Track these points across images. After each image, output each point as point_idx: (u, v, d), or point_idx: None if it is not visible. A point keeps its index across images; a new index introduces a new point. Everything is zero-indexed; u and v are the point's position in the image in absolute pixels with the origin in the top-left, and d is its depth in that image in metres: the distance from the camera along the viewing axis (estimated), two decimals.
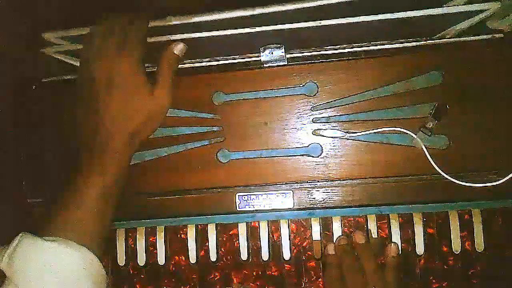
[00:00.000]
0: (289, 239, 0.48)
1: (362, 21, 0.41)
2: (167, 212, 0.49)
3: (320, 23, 0.42)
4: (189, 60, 0.49)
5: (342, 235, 0.48)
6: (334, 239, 0.48)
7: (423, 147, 0.45)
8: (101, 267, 0.38)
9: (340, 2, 0.39)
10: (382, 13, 0.40)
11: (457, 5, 0.40)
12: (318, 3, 0.39)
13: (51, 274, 0.34)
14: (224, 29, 0.43)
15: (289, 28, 0.42)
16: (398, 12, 0.40)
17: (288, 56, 0.47)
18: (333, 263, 0.47)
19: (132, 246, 0.50)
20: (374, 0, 0.39)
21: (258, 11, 0.40)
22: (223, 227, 0.49)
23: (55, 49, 0.46)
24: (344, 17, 0.41)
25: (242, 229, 0.49)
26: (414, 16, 0.40)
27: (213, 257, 0.49)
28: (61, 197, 0.39)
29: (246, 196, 0.48)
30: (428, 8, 0.40)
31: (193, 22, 0.41)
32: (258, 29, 0.42)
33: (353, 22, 0.41)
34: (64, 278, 0.35)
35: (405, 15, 0.40)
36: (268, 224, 0.49)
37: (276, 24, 0.42)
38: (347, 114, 0.47)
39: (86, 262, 0.36)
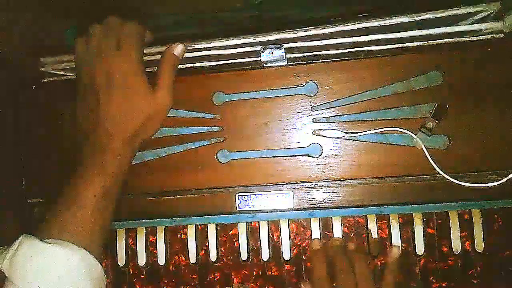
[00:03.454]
0: (289, 239, 0.48)
1: (371, 40, 0.41)
2: (167, 212, 0.49)
3: (322, 42, 0.42)
4: (190, 61, 0.49)
5: (336, 237, 0.48)
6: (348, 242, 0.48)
7: (423, 147, 0.45)
8: (100, 269, 0.38)
9: (344, 30, 0.39)
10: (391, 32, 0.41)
11: (464, 25, 0.40)
12: (319, 31, 0.39)
13: (51, 276, 0.34)
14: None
15: (291, 48, 0.43)
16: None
17: (288, 56, 0.47)
18: (322, 260, 0.46)
19: (132, 246, 0.50)
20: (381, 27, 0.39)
21: (259, 39, 0.41)
22: (223, 227, 0.49)
23: (54, 66, 0.46)
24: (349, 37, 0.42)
25: (242, 229, 0.49)
26: (421, 35, 0.40)
27: (213, 257, 0.49)
28: (61, 198, 0.39)
29: (246, 196, 0.48)
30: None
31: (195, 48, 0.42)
32: (259, 48, 0.43)
33: (360, 41, 0.42)
34: (64, 280, 0.35)
35: (414, 34, 0.41)
36: (268, 224, 0.49)
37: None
38: (347, 114, 0.47)
39: (85, 265, 0.36)
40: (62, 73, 0.49)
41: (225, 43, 0.42)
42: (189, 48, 0.44)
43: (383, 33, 0.42)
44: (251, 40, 0.41)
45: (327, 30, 0.40)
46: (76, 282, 0.35)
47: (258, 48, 0.44)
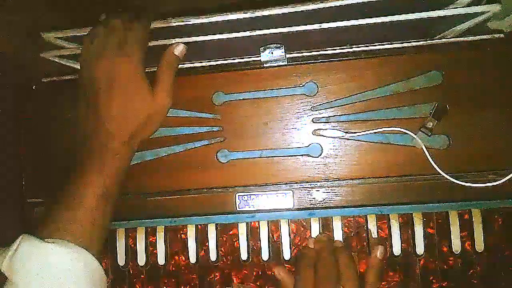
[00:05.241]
0: (289, 239, 0.48)
1: (364, 24, 0.41)
2: (167, 212, 0.49)
3: (320, 26, 0.42)
4: (189, 61, 0.49)
5: (323, 233, 0.48)
6: (335, 239, 0.48)
7: (423, 147, 0.45)
8: (100, 268, 0.38)
9: (340, 5, 0.39)
10: (384, 16, 0.41)
11: (458, 7, 0.40)
12: (319, 5, 0.39)
13: (51, 276, 0.34)
14: (225, 33, 0.43)
15: (290, 32, 0.42)
16: (400, 14, 0.40)
17: (288, 56, 0.47)
18: (309, 254, 0.45)
19: (132, 246, 0.50)
20: (375, 3, 0.39)
21: (258, 13, 0.40)
22: (223, 227, 0.49)
23: (54, 53, 0.46)
24: (346, 20, 0.41)
25: (242, 229, 0.49)
26: (415, 19, 0.40)
27: (213, 257, 0.49)
28: (60, 197, 0.39)
29: (246, 196, 0.48)
30: (429, 11, 0.40)
31: (193, 24, 0.41)
32: (258, 32, 0.43)
33: (355, 25, 0.41)
34: (64, 280, 0.35)
35: (407, 17, 0.40)
36: (268, 224, 0.49)
37: (276, 27, 0.42)
38: (347, 114, 0.47)
39: (85, 265, 0.36)
40: (63, 62, 0.48)
41: (222, 18, 0.41)
42: (186, 23, 0.42)
43: (380, 16, 0.41)
44: (249, 15, 0.40)
45: (326, 5, 0.39)
46: (76, 282, 0.35)
47: (256, 33, 0.43)
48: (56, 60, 0.48)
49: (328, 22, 0.42)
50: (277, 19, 0.41)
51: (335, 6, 0.39)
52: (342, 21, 0.41)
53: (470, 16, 0.41)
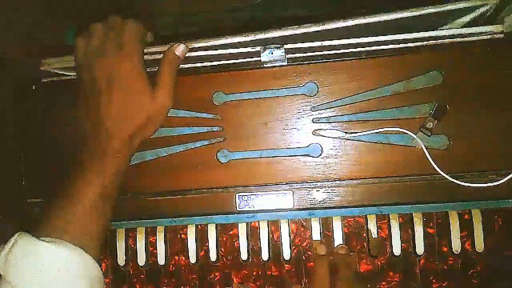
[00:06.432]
0: (289, 239, 0.48)
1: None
2: (167, 212, 0.49)
3: (322, 44, 0.42)
4: (190, 61, 0.49)
5: (342, 244, 0.47)
6: (335, 240, 0.48)
7: (423, 147, 0.45)
8: (97, 268, 0.37)
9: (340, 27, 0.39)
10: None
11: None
12: (321, 28, 0.40)
13: (47, 275, 0.34)
14: (226, 49, 0.44)
15: (291, 48, 0.43)
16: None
17: (288, 56, 0.47)
18: (326, 265, 0.45)
19: (132, 246, 0.50)
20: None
21: (259, 36, 0.41)
22: (223, 227, 0.49)
23: (53, 65, 0.47)
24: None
25: (242, 229, 0.49)
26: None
27: (213, 257, 0.49)
28: (60, 196, 0.39)
29: (246, 196, 0.48)
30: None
31: (197, 47, 0.42)
32: (259, 48, 0.44)
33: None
34: (60, 279, 0.34)
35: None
36: (268, 224, 0.49)
37: (277, 44, 0.43)
38: (347, 114, 0.47)
39: (82, 264, 0.36)
40: (63, 72, 0.49)
41: (225, 41, 0.42)
42: (189, 47, 0.44)
43: (384, 35, 0.42)
44: (251, 37, 0.41)
45: (327, 27, 0.40)
46: (72, 281, 0.35)
47: (258, 48, 0.44)
48: (57, 72, 0.48)
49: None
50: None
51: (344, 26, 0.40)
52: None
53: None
